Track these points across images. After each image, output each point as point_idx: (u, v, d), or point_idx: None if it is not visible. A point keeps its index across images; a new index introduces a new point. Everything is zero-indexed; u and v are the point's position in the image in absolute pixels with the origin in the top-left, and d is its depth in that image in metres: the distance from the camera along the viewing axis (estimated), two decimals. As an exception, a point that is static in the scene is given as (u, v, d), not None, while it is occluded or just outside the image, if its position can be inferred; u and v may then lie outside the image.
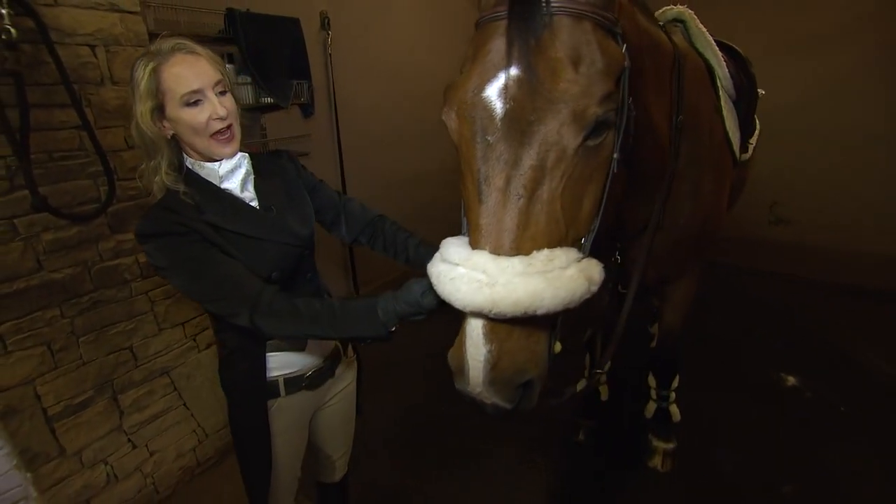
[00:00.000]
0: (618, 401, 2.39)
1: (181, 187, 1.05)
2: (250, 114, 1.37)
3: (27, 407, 1.63)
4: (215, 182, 1.10)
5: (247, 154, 1.16)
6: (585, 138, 0.72)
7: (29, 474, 1.66)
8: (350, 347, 1.43)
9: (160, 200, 1.04)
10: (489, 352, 0.72)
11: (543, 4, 0.72)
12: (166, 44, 1.04)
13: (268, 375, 1.19)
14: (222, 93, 1.07)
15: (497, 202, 0.72)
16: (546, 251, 0.70)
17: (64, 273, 1.64)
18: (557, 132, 0.71)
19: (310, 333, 1.03)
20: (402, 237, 1.33)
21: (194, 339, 2.10)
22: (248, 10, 2.13)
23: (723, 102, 1.62)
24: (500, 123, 0.73)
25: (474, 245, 0.74)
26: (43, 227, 1.58)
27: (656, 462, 2.10)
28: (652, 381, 2.15)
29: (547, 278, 0.67)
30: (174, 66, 1.02)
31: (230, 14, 1.99)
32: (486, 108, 0.74)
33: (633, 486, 2.02)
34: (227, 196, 1.11)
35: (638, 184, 1.29)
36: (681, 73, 1.31)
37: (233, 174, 1.12)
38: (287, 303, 0.99)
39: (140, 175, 1.07)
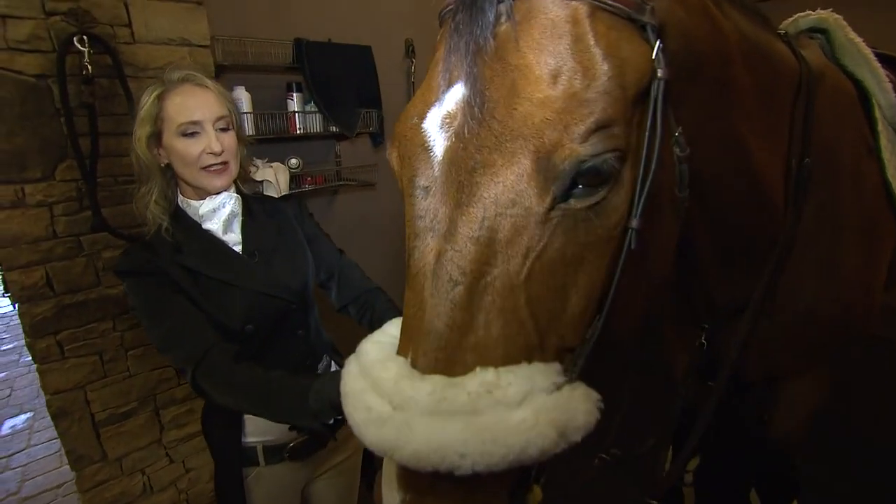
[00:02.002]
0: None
1: (165, 221, 1.03)
2: (323, 142, 1.45)
3: (77, 410, 1.77)
4: (199, 221, 1.08)
5: (236, 195, 1.12)
6: (563, 196, 0.47)
7: (74, 473, 1.80)
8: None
9: (136, 240, 1.07)
10: (402, 501, 0.50)
11: None
12: (177, 73, 1.05)
13: (244, 440, 1.11)
14: (224, 129, 1.06)
15: (424, 289, 0.50)
16: (489, 373, 0.46)
17: (118, 289, 1.77)
18: (512, 186, 0.47)
19: (242, 408, 0.95)
20: (389, 318, 1.17)
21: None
22: (328, 39, 2.20)
23: (883, 140, 1.15)
24: (437, 170, 0.52)
25: (399, 348, 0.54)
26: (104, 246, 1.72)
27: None
28: (755, 499, 1.67)
29: (470, 423, 0.44)
30: (178, 94, 1.02)
31: (298, 44, 2.07)
32: (425, 145, 0.53)
33: None
34: (207, 237, 1.07)
35: (727, 252, 0.96)
36: (810, 99, 0.95)
37: (214, 214, 1.08)
38: (227, 368, 0.91)
39: (135, 201, 1.08)
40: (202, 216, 1.07)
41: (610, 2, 0.49)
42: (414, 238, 0.52)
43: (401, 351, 0.52)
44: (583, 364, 0.51)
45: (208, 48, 1.81)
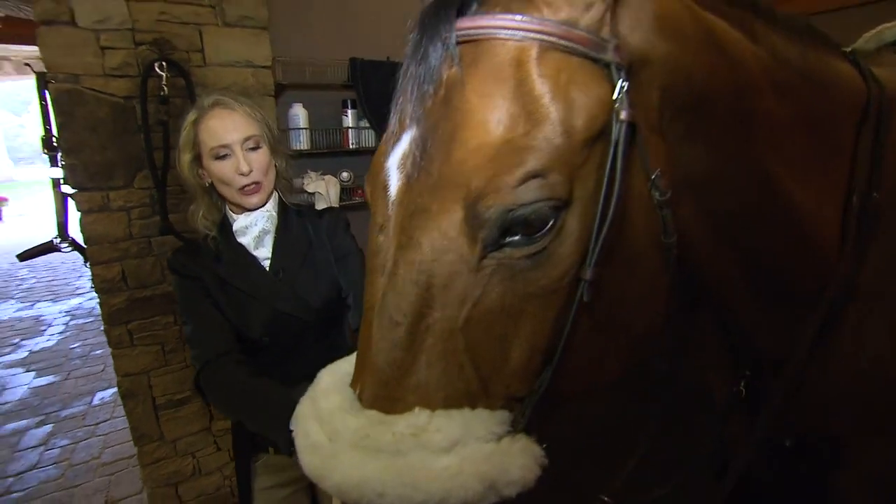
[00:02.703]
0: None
1: (213, 231, 1.16)
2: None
3: (141, 393, 1.99)
4: (235, 235, 1.17)
5: (269, 212, 1.18)
6: (494, 246, 0.46)
7: (136, 448, 2.03)
8: None
9: (186, 242, 1.20)
10: None
11: (445, 27, 0.48)
12: (209, 99, 1.14)
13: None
14: (253, 148, 1.12)
15: (371, 325, 0.51)
16: (421, 416, 0.46)
17: (180, 287, 1.97)
18: (445, 233, 0.47)
19: (228, 414, 1.01)
20: None
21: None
22: (387, 58, 2.29)
23: None
24: (389, 209, 0.53)
25: (352, 380, 0.55)
26: (169, 247, 1.92)
27: None
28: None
29: (390, 464, 0.44)
30: (210, 119, 1.11)
31: (353, 63, 2.18)
32: (384, 184, 0.54)
33: None
34: (240, 250, 1.16)
35: (765, 297, 0.86)
36: (880, 127, 0.83)
37: (247, 230, 1.16)
38: (227, 374, 0.98)
39: (189, 215, 1.21)
40: (237, 231, 1.16)
41: (562, 41, 0.46)
42: (368, 274, 0.54)
43: (352, 383, 0.53)
44: (530, 415, 0.49)
45: (269, 69, 1.97)
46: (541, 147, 0.44)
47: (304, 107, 2.16)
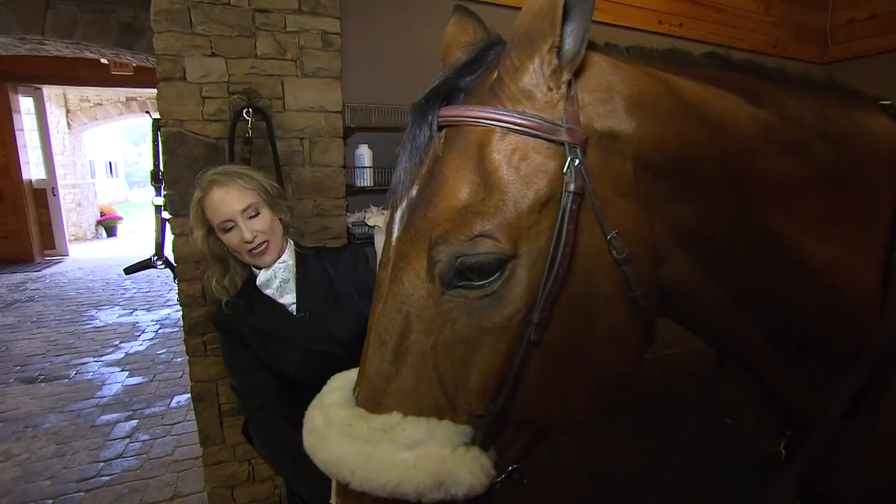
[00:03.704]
0: None
1: (225, 297, 1.32)
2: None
3: (209, 398, 2.23)
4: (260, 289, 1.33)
5: (286, 262, 1.32)
6: (450, 285, 0.57)
7: (201, 449, 2.24)
8: None
9: (226, 300, 1.32)
10: None
11: (431, 114, 0.60)
12: (206, 177, 1.28)
13: None
14: (253, 216, 1.25)
15: (368, 342, 0.64)
16: (394, 417, 0.57)
17: (249, 305, 2.20)
18: (416, 274, 0.59)
19: (275, 469, 1.17)
20: None
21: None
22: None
23: None
24: (390, 251, 0.66)
25: (356, 383, 0.67)
26: (243, 269, 2.17)
27: None
28: None
29: (361, 449, 0.55)
30: (210, 197, 1.24)
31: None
32: (390, 232, 0.67)
33: None
34: (268, 301, 1.31)
35: (790, 350, 0.85)
36: None
37: (269, 283, 1.31)
38: (268, 430, 1.13)
39: (205, 283, 1.40)
40: (261, 285, 1.30)
41: (518, 127, 0.56)
42: (372, 302, 0.66)
43: (354, 386, 0.65)
44: (486, 433, 0.57)
45: (340, 114, 2.20)
46: (490, 212, 0.55)
47: (369, 147, 2.37)
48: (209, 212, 1.23)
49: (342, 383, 0.69)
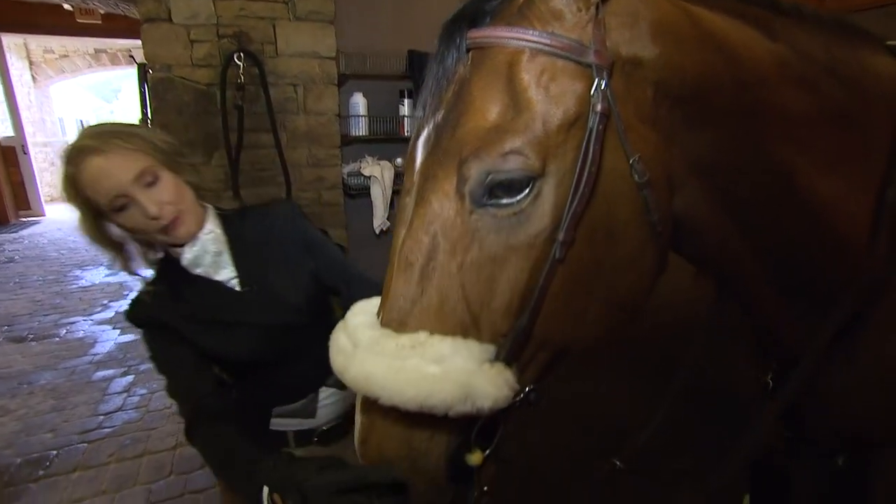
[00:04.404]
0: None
1: (143, 284, 1.04)
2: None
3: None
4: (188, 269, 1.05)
5: (214, 232, 1.05)
6: (480, 203, 0.58)
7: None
8: None
9: (143, 288, 1.04)
10: (361, 424, 0.66)
11: (459, 36, 0.61)
12: (74, 148, 0.94)
13: (276, 426, 1.17)
14: (151, 183, 0.93)
15: (392, 266, 0.65)
16: (421, 335, 0.59)
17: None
18: (445, 193, 0.60)
19: (224, 479, 1.03)
20: None
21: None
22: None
23: None
24: (414, 177, 0.67)
25: (378, 308, 0.69)
26: (239, 220, 2.16)
27: None
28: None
29: (390, 365, 0.57)
30: (85, 172, 0.92)
31: (410, 55, 2.31)
32: (413, 157, 0.68)
33: None
34: (201, 282, 1.06)
35: (786, 290, 0.89)
36: None
37: (198, 260, 1.04)
38: (211, 435, 0.94)
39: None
40: (188, 266, 1.04)
41: (547, 47, 0.58)
42: (395, 227, 0.68)
43: (378, 311, 0.67)
44: (510, 350, 0.60)
45: (334, 60, 2.14)
46: (520, 130, 0.56)
47: (364, 95, 2.33)
48: (90, 190, 0.92)
49: (365, 307, 0.72)
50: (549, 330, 0.63)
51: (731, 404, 1.25)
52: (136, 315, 1.03)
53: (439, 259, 0.60)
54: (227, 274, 1.08)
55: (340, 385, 1.13)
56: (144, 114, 2.09)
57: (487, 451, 0.65)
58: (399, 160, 2.47)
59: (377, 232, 2.52)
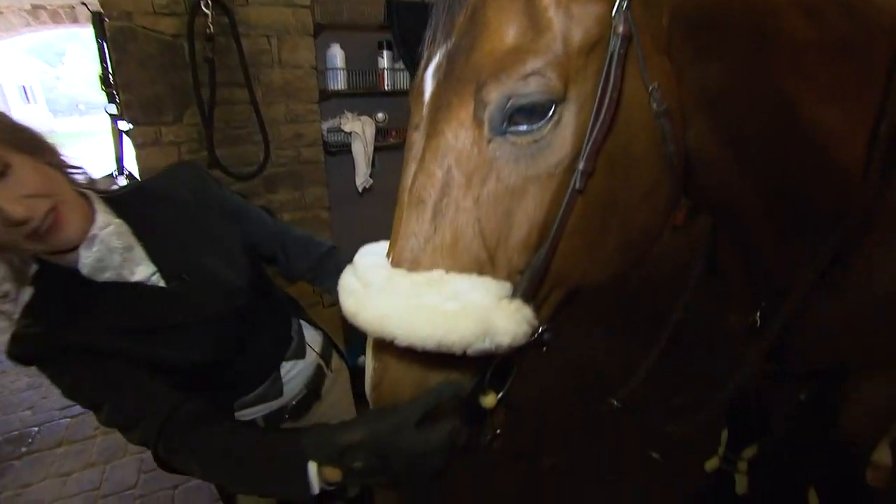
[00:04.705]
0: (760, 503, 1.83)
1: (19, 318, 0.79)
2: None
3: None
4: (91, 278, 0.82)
5: (110, 220, 0.83)
6: (499, 130, 0.56)
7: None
8: (335, 358, 1.25)
9: (23, 314, 0.78)
10: (373, 370, 0.64)
11: None
12: None
13: (245, 415, 1.04)
14: (2, 173, 0.70)
15: (402, 204, 0.62)
16: (436, 273, 0.57)
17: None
18: (461, 122, 0.57)
19: (215, 481, 0.84)
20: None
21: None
22: (423, 1, 2.30)
23: None
24: (424, 110, 0.64)
25: (387, 251, 0.66)
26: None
27: None
28: (813, 498, 1.57)
29: (406, 303, 0.55)
30: None
31: (389, 4, 2.19)
32: (421, 90, 0.65)
33: None
34: (110, 288, 0.82)
35: (784, 224, 0.92)
36: None
37: (104, 264, 0.81)
38: (197, 433, 0.77)
39: None
40: (91, 275, 0.80)
41: None
42: (403, 166, 0.65)
43: (387, 253, 0.65)
44: (528, 286, 0.59)
45: (308, 8, 2.02)
46: (541, 51, 0.54)
47: (341, 47, 2.22)
48: None
49: (373, 248, 0.68)
50: (564, 266, 0.62)
51: (719, 347, 1.30)
52: (25, 353, 0.76)
53: (454, 194, 0.57)
54: (144, 271, 0.86)
55: (299, 353, 1.12)
56: (104, 69, 1.93)
57: (500, 394, 0.65)
58: (380, 115, 2.39)
59: (359, 190, 2.46)
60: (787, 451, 1.93)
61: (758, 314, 1.18)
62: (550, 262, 0.60)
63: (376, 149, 2.39)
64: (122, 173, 2.12)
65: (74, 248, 0.78)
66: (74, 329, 0.77)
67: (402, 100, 2.59)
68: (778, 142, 0.79)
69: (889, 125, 0.83)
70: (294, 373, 1.10)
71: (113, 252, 0.82)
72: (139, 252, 0.86)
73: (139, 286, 0.86)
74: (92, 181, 0.89)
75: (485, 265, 0.58)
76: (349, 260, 1.08)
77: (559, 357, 2.48)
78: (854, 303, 1.04)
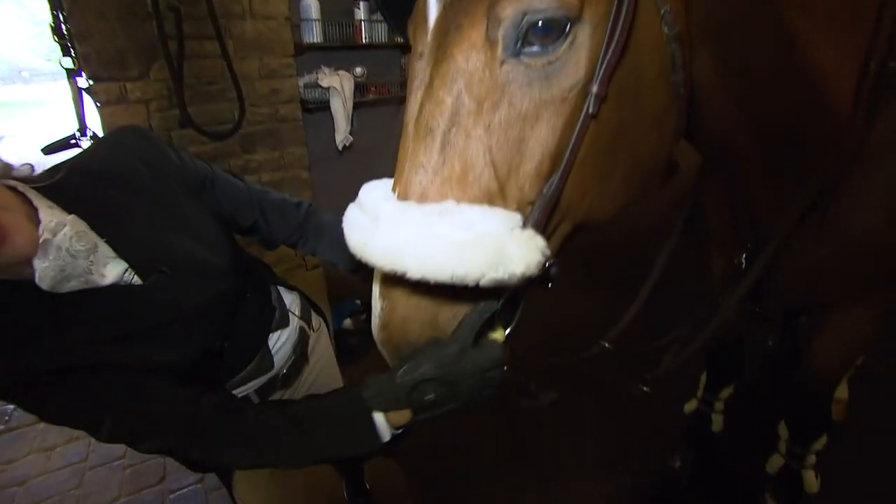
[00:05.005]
0: (736, 437, 1.96)
1: None
2: (388, 52, 1.16)
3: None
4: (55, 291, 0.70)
5: (62, 222, 0.69)
6: (513, 51, 0.54)
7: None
8: (313, 316, 1.23)
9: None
10: (381, 310, 0.63)
11: None
12: None
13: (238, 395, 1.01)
14: None
15: (408, 135, 0.60)
16: (448, 204, 0.56)
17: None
18: (472, 43, 0.55)
19: (269, 463, 0.77)
20: (337, 228, 0.99)
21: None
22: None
23: None
24: (429, 36, 0.61)
25: (392, 186, 0.64)
26: (189, 141, 1.97)
27: (764, 530, 1.68)
28: (783, 429, 1.68)
29: (420, 232, 0.54)
30: None
31: (365, -52, 2.08)
32: (425, 16, 0.62)
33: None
34: (80, 298, 0.71)
35: (774, 160, 0.95)
36: None
37: (66, 274, 0.68)
38: (230, 425, 0.74)
39: None
40: (54, 287, 0.68)
41: None
42: (408, 96, 0.63)
43: (392, 187, 0.63)
44: (535, 218, 0.58)
45: (280, -47, 1.89)
46: None
47: (315, -4, 2.10)
48: None
49: (376, 185, 0.66)
50: (574, 197, 0.62)
51: (701, 295, 1.35)
52: (9, 378, 0.66)
53: (464, 121, 0.56)
54: (115, 270, 0.73)
55: (283, 322, 1.08)
56: (56, 20, 1.78)
57: (508, 329, 0.65)
58: (358, 70, 2.30)
59: (339, 148, 2.39)
60: (760, 390, 2.05)
61: (743, 256, 1.22)
62: (562, 191, 0.59)
63: (355, 105, 2.31)
64: (86, 135, 2.00)
65: (27, 260, 0.65)
66: (43, 352, 0.67)
67: (380, 53, 2.50)
68: (776, 76, 0.80)
69: (877, 63, 0.85)
70: (281, 342, 1.08)
71: (76, 257, 0.68)
72: (105, 250, 0.73)
73: (113, 289, 0.73)
74: (6, 167, 0.72)
75: (495, 196, 0.57)
76: (331, 219, 1.07)
77: (536, 317, 2.53)
78: (831, 241, 1.09)
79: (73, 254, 0.68)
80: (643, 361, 1.10)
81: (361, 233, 0.58)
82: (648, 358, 1.15)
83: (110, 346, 0.72)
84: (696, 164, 1.19)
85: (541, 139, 0.57)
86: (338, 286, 2.46)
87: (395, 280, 0.58)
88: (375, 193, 0.62)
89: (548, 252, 0.58)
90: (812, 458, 1.62)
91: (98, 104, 1.84)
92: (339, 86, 2.15)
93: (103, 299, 0.73)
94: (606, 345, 1.07)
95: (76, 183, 0.75)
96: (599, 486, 1.87)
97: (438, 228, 0.53)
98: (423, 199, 0.57)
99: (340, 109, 2.22)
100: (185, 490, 2.00)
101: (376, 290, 0.63)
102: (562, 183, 0.58)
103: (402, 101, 2.72)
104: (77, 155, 0.82)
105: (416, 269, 0.53)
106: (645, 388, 1.03)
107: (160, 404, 0.74)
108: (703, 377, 1.92)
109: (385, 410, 0.69)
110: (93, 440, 2.27)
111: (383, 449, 0.71)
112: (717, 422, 1.92)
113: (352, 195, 0.66)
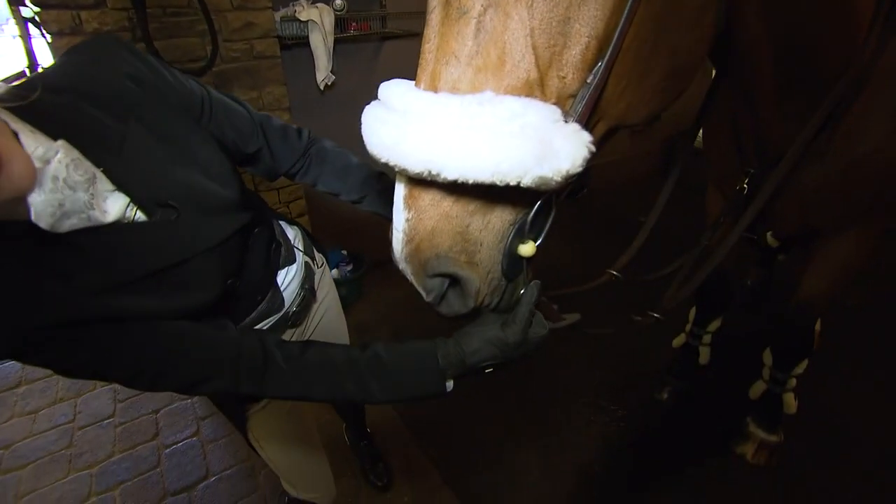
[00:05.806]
0: (720, 368, 2.06)
1: None
2: None
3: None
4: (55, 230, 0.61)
5: (59, 154, 0.59)
6: None
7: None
8: (316, 254, 1.20)
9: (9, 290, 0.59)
10: (406, 221, 0.57)
11: None
12: None
13: None
14: None
15: (436, 22, 0.53)
16: (486, 93, 0.49)
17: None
18: None
19: (344, 397, 0.76)
20: (355, 164, 0.99)
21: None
22: None
23: None
24: None
25: (416, 82, 0.57)
26: (158, 80, 1.80)
27: (746, 450, 1.81)
28: (768, 357, 1.76)
29: (459, 124, 0.48)
30: None
31: None
32: None
33: (713, 467, 1.77)
34: (82, 238, 0.63)
35: (789, 81, 0.94)
36: None
37: (68, 206, 0.60)
38: (299, 358, 0.74)
39: None
40: (55, 226, 0.59)
41: None
42: None
43: (416, 83, 0.56)
44: (579, 111, 0.53)
45: None
46: None
47: (288, -83, 1.89)
48: None
49: (394, 82, 0.58)
50: (613, 94, 0.57)
51: (700, 229, 1.36)
52: (15, 332, 0.58)
53: (503, 1, 0.49)
54: (117, 205, 0.66)
55: (290, 259, 1.04)
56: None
57: (538, 242, 0.62)
58: (338, 2, 2.12)
59: (321, 87, 2.24)
60: (746, 321, 2.15)
61: (745, 181, 1.23)
62: (605, 84, 0.54)
63: (336, 40, 2.15)
64: (37, 69, 1.80)
65: (23, 195, 0.56)
66: (51, 305, 0.59)
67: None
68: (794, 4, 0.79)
69: None
70: (290, 279, 1.04)
71: (76, 189, 0.60)
72: (103, 182, 0.65)
73: (118, 226, 0.66)
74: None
75: (534, 87, 0.51)
76: (332, 146, 1.00)
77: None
78: (834, 163, 1.10)
79: (71, 185, 0.60)
80: (643, 296, 1.10)
81: (389, 130, 0.51)
82: (652, 290, 1.16)
83: (126, 293, 0.65)
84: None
85: (588, 21, 0.51)
86: (324, 236, 2.38)
87: (422, 186, 0.53)
88: (398, 89, 0.55)
89: (593, 148, 0.54)
90: (793, 382, 1.72)
91: (49, 36, 1.65)
92: (318, 19, 1.98)
93: (108, 240, 0.65)
94: (615, 273, 1.07)
95: (57, 103, 0.64)
96: (594, 419, 1.96)
97: (480, 119, 0.48)
98: (455, 90, 0.51)
99: (321, 45, 2.06)
100: (181, 444, 1.98)
101: (399, 199, 0.57)
102: (607, 72, 0.53)
103: (384, 38, 2.57)
104: (45, 70, 0.70)
105: (455, 167, 0.48)
106: (656, 316, 1.04)
107: (205, 350, 0.71)
108: (693, 311, 1.99)
109: (450, 378, 0.75)
110: (78, 401, 2.22)
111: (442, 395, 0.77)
112: (704, 354, 2.01)
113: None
